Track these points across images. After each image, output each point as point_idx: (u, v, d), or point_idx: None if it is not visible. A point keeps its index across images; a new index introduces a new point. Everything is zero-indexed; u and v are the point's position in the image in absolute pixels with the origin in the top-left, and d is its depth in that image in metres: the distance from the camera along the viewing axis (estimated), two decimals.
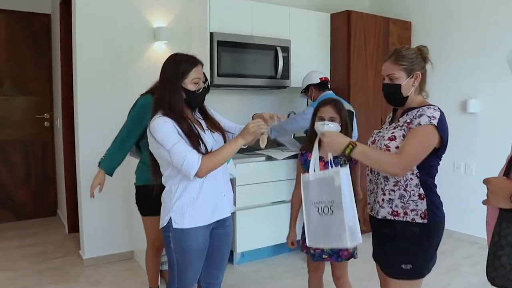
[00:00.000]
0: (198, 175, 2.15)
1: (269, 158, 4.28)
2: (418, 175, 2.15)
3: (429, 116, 2.08)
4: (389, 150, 2.12)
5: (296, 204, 2.90)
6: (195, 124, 2.30)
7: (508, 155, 1.63)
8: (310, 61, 4.91)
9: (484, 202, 1.59)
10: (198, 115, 2.42)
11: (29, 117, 5.79)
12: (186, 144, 2.15)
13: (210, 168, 2.18)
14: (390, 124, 2.31)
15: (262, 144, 2.35)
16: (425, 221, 2.13)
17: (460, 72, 5.05)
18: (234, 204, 4.06)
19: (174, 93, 2.23)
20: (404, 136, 2.12)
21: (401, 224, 2.15)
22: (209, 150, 2.23)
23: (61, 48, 4.97)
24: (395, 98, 2.26)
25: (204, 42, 4.24)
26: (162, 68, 2.31)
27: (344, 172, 2.17)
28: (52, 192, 5.95)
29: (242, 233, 4.17)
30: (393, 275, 2.21)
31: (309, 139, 2.86)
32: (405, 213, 2.15)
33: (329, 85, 4.39)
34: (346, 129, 2.71)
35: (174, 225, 2.24)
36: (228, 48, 4.25)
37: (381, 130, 2.35)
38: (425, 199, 2.14)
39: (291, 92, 5.03)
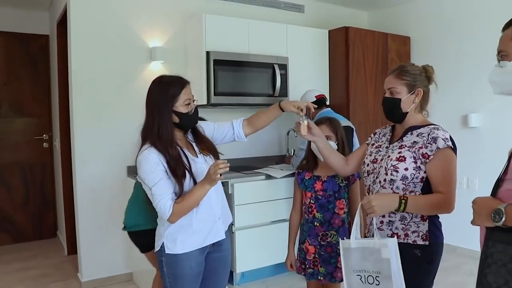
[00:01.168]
0: (170, 221, 2.14)
1: (268, 177, 4.23)
2: None
3: (443, 139, 2.03)
4: (397, 171, 2.06)
5: (294, 225, 2.88)
6: (185, 150, 2.24)
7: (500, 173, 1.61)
8: (309, 78, 4.89)
9: (471, 222, 1.62)
10: (190, 137, 2.35)
11: (27, 139, 5.77)
12: (167, 184, 2.12)
13: (182, 214, 2.15)
14: (390, 142, 2.24)
15: (303, 131, 2.34)
16: (427, 242, 2.06)
17: (461, 86, 5.01)
18: (233, 223, 4.02)
19: (163, 118, 2.15)
20: (415, 158, 2.05)
21: (401, 246, 2.03)
22: (197, 180, 2.18)
23: (59, 68, 4.97)
24: (394, 113, 2.21)
25: (200, 61, 4.22)
26: (148, 94, 2.22)
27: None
28: (52, 214, 5.90)
29: (241, 253, 4.10)
30: None
31: (306, 159, 2.84)
32: (406, 235, 2.09)
33: (327, 102, 4.35)
34: (342, 147, 2.71)
35: (167, 251, 2.21)
36: (224, 66, 4.23)
37: (379, 148, 2.26)
38: (427, 220, 2.08)
39: None
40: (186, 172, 2.16)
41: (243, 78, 4.36)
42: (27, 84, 5.71)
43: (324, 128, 2.69)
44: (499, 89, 1.67)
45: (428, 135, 2.07)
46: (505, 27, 1.65)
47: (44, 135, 5.85)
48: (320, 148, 2.43)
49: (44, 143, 5.87)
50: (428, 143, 2.04)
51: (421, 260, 2.07)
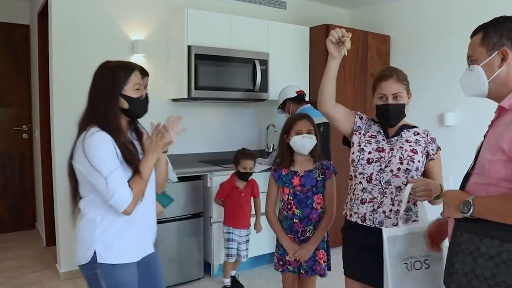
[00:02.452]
0: (128, 211, 1.93)
1: None
2: None
3: (437, 140, 2.30)
4: (413, 161, 2.19)
5: (275, 220, 2.85)
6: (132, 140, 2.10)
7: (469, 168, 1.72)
8: (289, 74, 4.95)
9: (441, 214, 1.75)
10: (133, 135, 2.15)
11: (6, 129, 5.74)
12: (122, 171, 1.93)
13: (137, 201, 1.97)
14: (387, 137, 2.30)
15: (348, 44, 2.26)
16: None
17: (438, 85, 5.11)
18: (211, 216, 4.07)
19: (111, 103, 1.98)
20: (422, 154, 2.22)
21: None
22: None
23: (39, 59, 4.96)
24: (399, 119, 2.29)
25: (182, 55, 4.25)
26: (95, 77, 2.04)
27: None
28: (30, 205, 5.88)
29: (219, 246, 4.16)
30: None
31: (281, 157, 2.86)
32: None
33: (306, 98, 4.42)
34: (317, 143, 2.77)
35: (100, 260, 1.95)
36: (206, 61, 4.26)
37: (377, 138, 2.30)
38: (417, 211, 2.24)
39: (270, 105, 5.06)
40: (137, 157, 2.01)
41: (224, 73, 4.41)
42: (7, 75, 5.67)
43: (306, 122, 2.75)
44: (469, 91, 1.77)
45: (427, 135, 2.26)
46: (474, 34, 1.76)
47: (24, 126, 5.82)
48: (333, 69, 2.35)
49: (24, 134, 5.84)
50: (429, 143, 2.23)
51: None
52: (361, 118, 2.40)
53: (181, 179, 3.96)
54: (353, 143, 2.34)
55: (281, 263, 2.83)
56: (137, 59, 4.37)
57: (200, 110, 4.81)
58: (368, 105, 5.34)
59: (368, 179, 2.24)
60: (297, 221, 2.74)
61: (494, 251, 1.48)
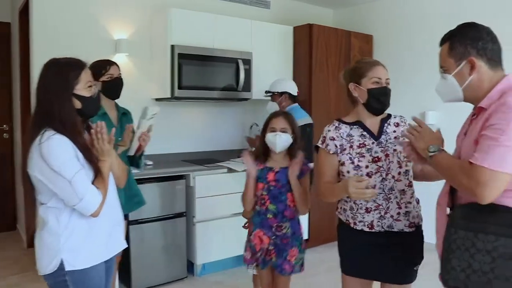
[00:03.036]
0: (96, 214, 1.87)
1: (230, 170, 4.29)
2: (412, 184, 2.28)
3: None
4: (409, 161, 2.20)
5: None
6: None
7: None
8: (272, 73, 4.94)
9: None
10: (86, 135, 2.04)
11: None
12: (85, 173, 1.85)
13: (104, 201, 1.91)
14: (375, 138, 2.24)
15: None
16: (421, 222, 2.29)
17: (420, 84, 5.17)
18: (194, 216, 4.07)
19: (65, 103, 1.88)
20: None
21: (416, 232, 2.25)
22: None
23: (20, 58, 4.90)
24: (388, 105, 2.30)
25: (165, 55, 4.24)
26: (42, 77, 1.92)
27: None
28: (11, 205, 5.80)
29: (202, 245, 4.16)
30: (410, 280, 2.28)
31: (257, 150, 2.87)
32: (418, 222, 2.26)
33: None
34: (295, 141, 2.75)
35: (69, 267, 1.87)
36: (189, 60, 4.26)
37: (367, 146, 2.23)
38: (418, 202, 2.30)
39: (253, 104, 5.06)
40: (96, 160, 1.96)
41: (207, 72, 4.40)
42: None
43: (281, 120, 2.74)
44: (446, 98, 1.88)
45: (405, 123, 2.30)
46: (441, 43, 1.84)
47: (5, 126, 5.74)
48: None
49: (4, 134, 5.76)
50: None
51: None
52: (332, 139, 2.27)
53: (164, 178, 3.96)
54: (343, 162, 2.24)
55: (249, 258, 2.83)
56: (120, 58, 4.34)
57: (183, 110, 4.80)
58: (351, 103, 5.37)
59: (376, 196, 2.18)
60: (271, 216, 2.73)
61: (491, 246, 1.54)
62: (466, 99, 1.81)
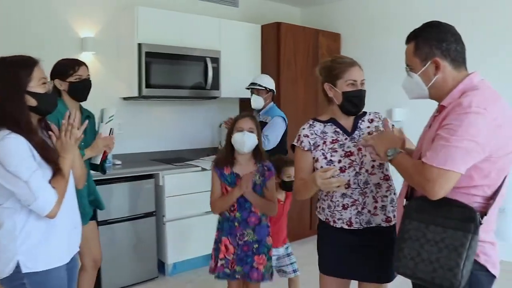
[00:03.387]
0: (52, 215, 1.83)
1: (200, 169, 4.29)
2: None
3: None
4: None
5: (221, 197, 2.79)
6: (46, 139, 1.99)
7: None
8: (240, 72, 4.97)
9: (365, 138, 2.06)
10: (44, 133, 2.02)
11: None
12: (41, 173, 1.81)
13: (62, 201, 1.87)
14: (348, 134, 2.27)
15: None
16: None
17: (386, 81, 5.24)
18: (164, 215, 4.06)
19: (18, 102, 1.83)
20: None
21: (392, 228, 2.19)
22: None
23: None
24: (363, 105, 2.32)
25: (132, 53, 4.21)
26: None
27: None
28: None
29: (173, 244, 4.16)
30: (388, 279, 2.28)
31: (223, 152, 2.83)
32: (394, 216, 2.24)
33: None
34: (259, 145, 2.77)
35: (26, 270, 1.83)
36: (157, 59, 4.24)
37: (340, 142, 2.25)
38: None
39: (222, 102, 5.07)
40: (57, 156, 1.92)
41: (175, 71, 4.39)
42: None
43: (248, 121, 2.73)
44: (411, 95, 1.96)
45: (380, 118, 2.35)
46: (407, 41, 1.91)
47: None
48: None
49: None
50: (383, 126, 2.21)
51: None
52: (306, 136, 2.31)
53: (133, 178, 3.94)
54: (317, 159, 2.26)
55: (218, 266, 2.76)
56: (86, 57, 4.29)
57: (152, 109, 4.77)
58: (319, 101, 5.44)
59: (347, 186, 2.20)
60: (237, 224, 2.72)
61: (439, 237, 1.65)
62: (431, 97, 1.89)
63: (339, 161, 2.22)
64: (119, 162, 4.26)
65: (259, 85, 4.16)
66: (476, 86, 1.73)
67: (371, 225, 2.20)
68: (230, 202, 2.71)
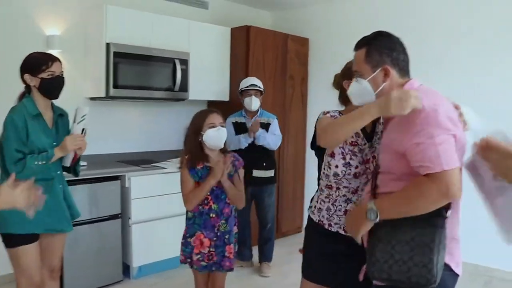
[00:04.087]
0: None
1: (166, 171, 4.26)
2: None
3: None
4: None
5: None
6: None
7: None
8: (210, 74, 4.97)
9: (351, 234, 1.93)
10: None
11: None
12: None
13: None
14: (368, 140, 2.23)
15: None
16: None
17: None
18: (130, 217, 4.00)
19: None
20: None
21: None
22: None
23: None
24: None
25: (100, 53, 4.14)
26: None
27: None
28: None
29: (138, 247, 4.10)
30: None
31: (193, 154, 2.79)
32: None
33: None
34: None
35: None
36: (125, 59, 4.18)
37: (360, 147, 2.21)
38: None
39: (190, 104, 5.05)
40: None
41: (143, 72, 4.34)
42: None
43: (218, 116, 2.77)
44: (358, 100, 1.96)
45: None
46: (357, 48, 1.94)
47: None
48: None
49: None
50: None
51: None
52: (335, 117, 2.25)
53: (98, 179, 3.87)
54: (333, 154, 2.22)
55: (188, 260, 2.82)
56: None
57: (119, 109, 4.70)
58: (286, 104, 5.48)
59: (353, 191, 2.20)
60: (213, 215, 2.75)
61: (409, 236, 1.68)
62: None
63: (356, 167, 2.19)
64: (84, 163, 4.17)
65: (259, 87, 4.31)
66: (416, 89, 1.78)
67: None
68: (205, 192, 2.70)
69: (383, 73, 1.83)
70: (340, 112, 2.32)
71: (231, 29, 5.24)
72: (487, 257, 4.26)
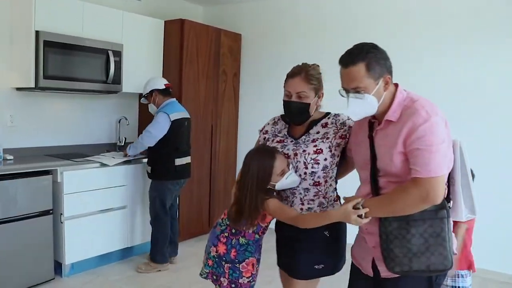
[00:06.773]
0: None
1: (100, 165, 4.14)
2: (336, 180, 2.33)
3: (348, 118, 2.29)
4: (318, 163, 2.19)
5: None
6: None
7: None
8: (143, 66, 4.88)
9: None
10: None
11: None
12: None
13: None
14: (294, 138, 2.31)
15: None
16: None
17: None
18: (63, 213, 3.86)
19: None
20: (330, 148, 2.21)
21: (315, 228, 2.14)
22: None
23: None
24: (302, 117, 2.28)
25: (28, 41, 3.93)
26: None
27: None
28: None
29: (71, 243, 3.96)
30: (304, 277, 2.29)
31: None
32: None
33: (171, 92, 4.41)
34: None
35: None
36: (56, 49, 4.00)
37: (283, 143, 2.31)
38: (338, 200, 2.32)
39: (123, 97, 4.94)
40: None
41: (75, 62, 4.18)
42: None
43: (281, 159, 2.61)
44: (359, 116, 1.99)
45: (336, 122, 2.29)
46: (350, 64, 1.88)
47: None
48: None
49: None
50: (340, 129, 2.25)
51: (329, 239, 2.26)
52: (265, 132, 2.47)
53: (27, 174, 3.70)
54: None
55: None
56: None
57: (48, 101, 4.49)
58: (219, 100, 5.50)
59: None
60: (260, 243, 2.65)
61: (422, 229, 1.82)
62: (376, 113, 1.96)
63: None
64: (10, 157, 3.98)
65: (143, 96, 4.45)
66: (411, 97, 1.91)
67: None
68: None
69: (384, 83, 1.89)
70: (282, 117, 2.46)
71: (165, 21, 5.17)
72: (482, 259, 4.29)
